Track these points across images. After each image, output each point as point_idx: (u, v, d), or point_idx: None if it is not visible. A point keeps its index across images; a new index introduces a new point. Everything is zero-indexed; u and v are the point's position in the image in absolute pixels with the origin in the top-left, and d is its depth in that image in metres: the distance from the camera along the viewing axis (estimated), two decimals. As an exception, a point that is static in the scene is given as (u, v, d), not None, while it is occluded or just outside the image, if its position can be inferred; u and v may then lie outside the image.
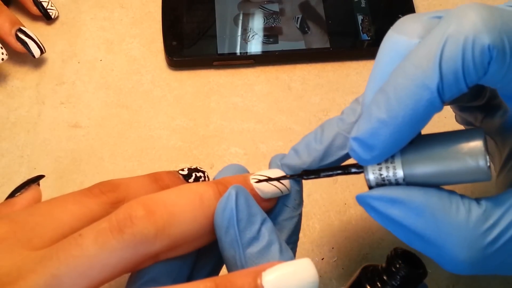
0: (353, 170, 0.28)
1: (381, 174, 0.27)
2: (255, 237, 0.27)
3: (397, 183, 0.27)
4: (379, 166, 0.27)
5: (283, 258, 0.27)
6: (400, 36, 0.26)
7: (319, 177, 0.29)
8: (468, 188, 0.44)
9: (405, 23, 0.27)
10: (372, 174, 0.27)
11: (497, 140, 0.31)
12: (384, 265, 0.30)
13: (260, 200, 0.29)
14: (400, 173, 0.27)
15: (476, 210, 0.26)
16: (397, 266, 0.29)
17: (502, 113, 0.30)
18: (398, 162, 0.27)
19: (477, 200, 0.27)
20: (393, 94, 0.25)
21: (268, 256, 0.27)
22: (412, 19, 0.27)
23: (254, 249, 0.27)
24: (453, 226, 0.26)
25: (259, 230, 0.27)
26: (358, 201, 0.28)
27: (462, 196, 0.27)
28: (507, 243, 0.26)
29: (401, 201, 0.26)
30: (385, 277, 0.29)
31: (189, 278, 0.29)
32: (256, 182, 0.29)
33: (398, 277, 0.29)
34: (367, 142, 0.26)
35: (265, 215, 0.28)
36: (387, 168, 0.27)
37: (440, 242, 0.26)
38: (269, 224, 0.28)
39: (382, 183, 0.27)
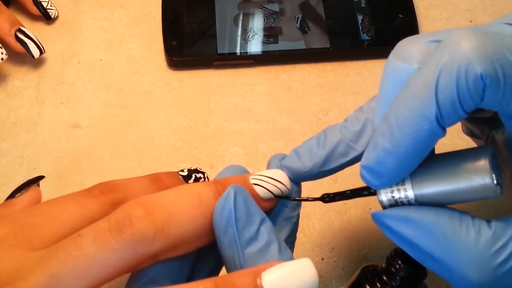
0: (367, 192, 0.29)
1: (393, 196, 0.28)
2: (254, 237, 0.27)
3: (409, 204, 0.28)
4: (391, 188, 0.28)
5: (282, 258, 0.27)
6: (400, 63, 0.27)
7: (335, 201, 0.30)
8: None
9: (404, 49, 0.27)
10: (384, 196, 0.28)
11: (502, 156, 0.31)
12: (384, 265, 0.30)
13: (260, 200, 0.29)
14: (411, 194, 0.28)
15: (486, 231, 0.26)
16: (397, 266, 0.29)
17: (503, 129, 0.30)
18: (408, 183, 0.28)
19: (488, 221, 0.27)
20: (395, 124, 0.26)
21: (267, 256, 0.27)
22: (411, 44, 0.27)
23: (253, 249, 0.27)
24: (462, 246, 0.26)
25: (257, 230, 0.27)
26: (373, 219, 0.29)
27: (473, 217, 0.27)
28: None
29: (412, 220, 0.27)
30: (385, 278, 0.29)
31: (189, 279, 0.29)
32: (255, 184, 0.29)
33: (398, 277, 0.29)
34: (375, 170, 0.27)
35: (263, 214, 0.28)
36: (398, 190, 0.28)
37: (450, 262, 0.26)
38: (268, 224, 0.28)
39: (395, 204, 0.28)
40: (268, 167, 0.32)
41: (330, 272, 0.42)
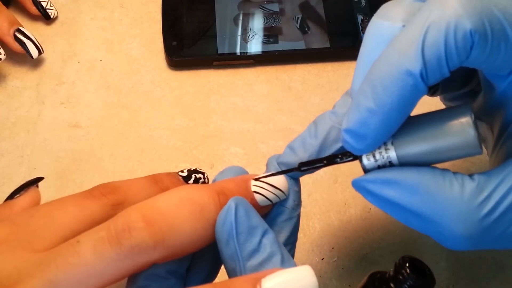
0: (348, 158, 0.28)
1: (376, 160, 0.27)
2: (256, 249, 0.27)
3: (391, 166, 0.27)
4: (373, 152, 0.28)
5: (285, 268, 0.27)
6: (384, 22, 0.27)
7: (315, 167, 0.29)
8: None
9: (388, 8, 0.27)
10: (366, 160, 0.28)
11: (486, 121, 0.31)
12: (392, 272, 0.30)
13: (259, 207, 0.29)
14: (393, 155, 0.27)
15: (470, 184, 0.26)
16: (405, 274, 0.29)
17: (482, 93, 0.30)
18: (389, 145, 0.27)
19: (470, 175, 0.27)
20: (379, 83, 0.25)
21: (270, 268, 0.27)
22: (395, 4, 0.27)
23: (255, 261, 0.27)
24: (448, 201, 0.26)
25: (259, 242, 0.27)
26: (354, 186, 0.28)
27: (455, 172, 0.27)
28: (503, 214, 0.26)
29: (395, 181, 0.27)
30: (392, 285, 0.29)
31: (188, 272, 0.29)
32: (255, 191, 0.29)
33: (406, 285, 0.29)
34: (359, 132, 0.26)
35: (266, 226, 0.28)
36: (380, 152, 0.27)
37: (437, 218, 0.26)
38: (270, 235, 0.27)
39: (377, 167, 0.28)
40: (267, 169, 0.32)
41: (330, 272, 0.42)
